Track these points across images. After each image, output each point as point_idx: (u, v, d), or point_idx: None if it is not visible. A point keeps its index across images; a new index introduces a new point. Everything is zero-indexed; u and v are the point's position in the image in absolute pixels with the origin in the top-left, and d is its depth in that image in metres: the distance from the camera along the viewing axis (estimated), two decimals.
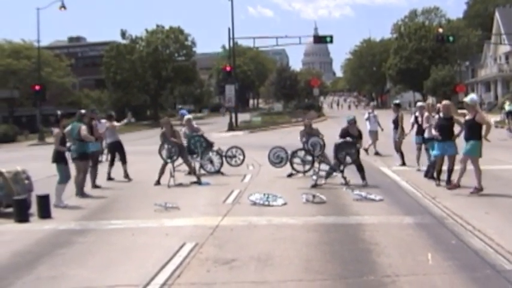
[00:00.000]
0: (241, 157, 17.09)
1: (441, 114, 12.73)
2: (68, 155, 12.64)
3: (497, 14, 67.06)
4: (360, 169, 13.62)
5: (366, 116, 21.38)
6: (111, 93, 68.38)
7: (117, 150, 16.10)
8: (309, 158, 14.81)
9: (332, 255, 7.48)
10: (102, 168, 15.95)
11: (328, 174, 13.95)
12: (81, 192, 13.08)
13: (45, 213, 10.70)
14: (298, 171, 15.12)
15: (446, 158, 12.59)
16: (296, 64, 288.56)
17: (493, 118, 17.35)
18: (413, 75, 76.22)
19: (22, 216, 10.39)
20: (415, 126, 15.76)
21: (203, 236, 8.64)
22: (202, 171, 16.18)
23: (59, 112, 12.95)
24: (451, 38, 47.73)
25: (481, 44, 73.07)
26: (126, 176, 15.84)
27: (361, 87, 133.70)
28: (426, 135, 14.09)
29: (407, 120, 17.32)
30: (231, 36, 48.34)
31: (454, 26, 77.15)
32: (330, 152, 14.42)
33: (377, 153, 20.06)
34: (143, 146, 26.22)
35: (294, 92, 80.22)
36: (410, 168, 15.87)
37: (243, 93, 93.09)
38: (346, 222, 9.58)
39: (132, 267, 7.17)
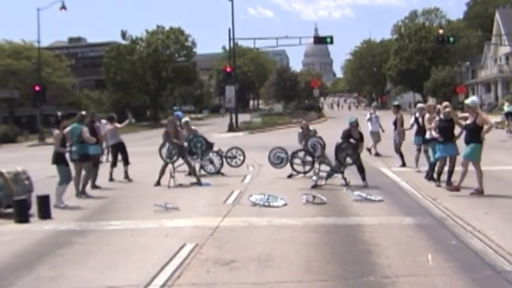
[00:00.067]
0: (242, 158, 17.09)
1: (441, 116, 12.72)
2: (67, 155, 12.66)
3: (497, 15, 67.11)
4: (361, 170, 13.61)
5: (368, 116, 21.36)
6: (111, 93, 68.38)
7: (119, 151, 16.14)
8: (309, 158, 14.81)
9: (332, 256, 7.48)
10: (103, 169, 15.94)
11: (329, 175, 13.95)
12: (82, 191, 13.12)
13: (45, 213, 10.71)
14: (298, 172, 15.12)
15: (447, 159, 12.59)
16: (296, 65, 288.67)
17: (493, 119, 17.33)
18: (413, 76, 76.28)
19: (22, 216, 10.40)
20: (415, 127, 15.77)
21: (203, 237, 8.64)
22: (203, 172, 16.19)
23: (59, 113, 12.90)
24: (451, 39, 47.75)
25: (481, 44, 73.12)
26: (126, 176, 15.86)
27: (361, 88, 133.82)
28: (428, 136, 14.06)
29: (407, 121, 17.35)
30: (231, 36, 48.39)
31: (454, 27, 77.24)
32: (330, 152, 14.42)
33: (377, 154, 20.05)
34: (143, 147, 26.18)
35: (294, 93, 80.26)
36: (411, 169, 15.86)
37: (243, 94, 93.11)
38: (346, 223, 9.58)
39: (132, 267, 7.17)
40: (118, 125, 16.61)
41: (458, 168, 12.47)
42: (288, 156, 15.47)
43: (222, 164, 16.69)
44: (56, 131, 12.50)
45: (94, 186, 14.26)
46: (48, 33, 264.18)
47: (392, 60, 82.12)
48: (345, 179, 13.40)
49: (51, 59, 59.67)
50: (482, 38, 70.66)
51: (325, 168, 14.30)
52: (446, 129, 12.45)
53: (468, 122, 11.81)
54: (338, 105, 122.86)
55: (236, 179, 15.25)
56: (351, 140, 13.70)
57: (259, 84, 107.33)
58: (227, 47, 64.44)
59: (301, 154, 15.10)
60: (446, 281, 6.33)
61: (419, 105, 16.87)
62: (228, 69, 49.33)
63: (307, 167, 14.89)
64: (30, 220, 10.48)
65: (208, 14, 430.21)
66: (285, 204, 11.20)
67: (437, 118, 12.95)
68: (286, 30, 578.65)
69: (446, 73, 68.81)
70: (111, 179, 15.73)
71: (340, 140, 13.81)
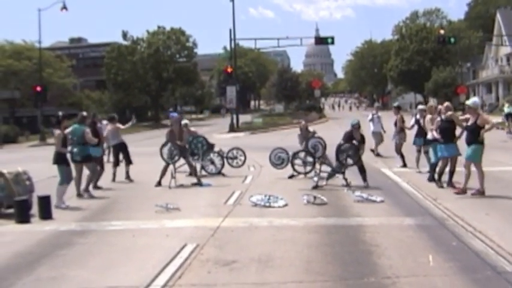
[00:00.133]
0: (242, 158, 17.09)
1: (443, 116, 12.71)
2: (68, 156, 12.68)
3: (498, 16, 67.10)
4: (362, 171, 13.61)
5: (370, 117, 21.33)
6: (112, 94, 68.45)
7: (121, 151, 16.14)
8: (310, 159, 14.81)
9: (333, 257, 7.48)
10: (106, 170, 15.92)
11: (330, 176, 13.94)
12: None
13: (46, 214, 10.71)
14: (299, 173, 15.12)
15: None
16: (297, 65, 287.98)
17: (494, 119, 17.34)
18: (414, 77, 76.31)
19: (23, 217, 10.40)
20: (415, 128, 15.77)
21: (204, 237, 8.64)
22: (204, 173, 16.19)
23: (60, 113, 12.96)
24: (452, 40, 47.76)
25: (482, 45, 73.08)
26: (128, 177, 15.87)
27: (362, 88, 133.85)
28: (429, 136, 14.04)
29: (408, 122, 17.40)
30: (232, 37, 48.43)
31: (455, 28, 77.22)
32: (331, 153, 14.42)
33: (378, 155, 20.05)
34: (144, 147, 26.20)
35: (295, 93, 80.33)
36: (411, 169, 15.86)
37: (244, 94, 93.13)
38: (346, 224, 9.58)
39: (132, 268, 7.17)
40: (120, 126, 16.63)
41: (458, 168, 12.48)
42: (288, 157, 15.46)
43: (223, 165, 16.70)
44: (57, 131, 12.53)
45: (95, 187, 14.26)
46: (49, 34, 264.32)
47: (393, 61, 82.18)
48: (345, 179, 13.40)
49: (52, 59, 59.72)
50: (483, 39, 70.66)
51: (326, 168, 14.30)
52: (447, 129, 12.44)
53: (469, 122, 11.80)
54: (339, 105, 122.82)
55: (237, 180, 15.25)
56: (354, 142, 13.70)
57: (260, 85, 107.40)
58: (228, 48, 64.43)
59: (302, 155, 15.09)
60: (446, 282, 6.33)
61: (420, 106, 16.87)
62: (229, 70, 49.34)
63: (308, 168, 14.88)
64: (31, 220, 10.48)
65: (209, 15, 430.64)
66: (286, 205, 11.20)
67: (438, 119, 12.94)
68: (287, 30, 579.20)
69: (447, 74, 68.82)
70: (113, 180, 15.74)
71: (342, 142, 13.81)
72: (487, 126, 11.62)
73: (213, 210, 11.12)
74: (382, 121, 21.05)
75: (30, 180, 11.50)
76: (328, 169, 14.23)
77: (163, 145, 14.70)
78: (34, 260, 7.69)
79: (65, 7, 45.02)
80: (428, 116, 14.28)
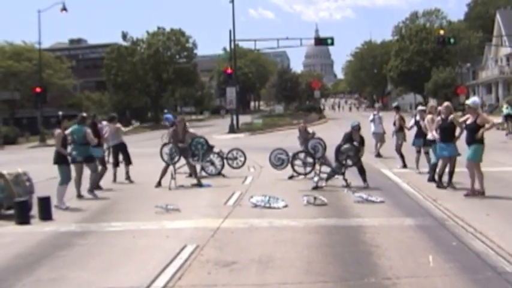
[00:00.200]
0: (242, 159, 17.07)
1: (443, 116, 12.70)
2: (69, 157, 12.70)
3: (498, 16, 67.13)
4: (362, 171, 13.61)
5: (371, 117, 21.30)
6: (111, 95, 68.49)
7: (121, 151, 16.12)
8: (310, 160, 14.80)
9: (333, 257, 7.48)
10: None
11: (329, 177, 13.94)
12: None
13: (46, 215, 10.71)
14: (299, 174, 15.11)
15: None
16: (297, 66, 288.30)
17: (494, 120, 17.37)
18: (414, 77, 76.35)
19: (23, 218, 10.40)
20: (415, 128, 15.76)
21: (204, 238, 8.64)
22: (204, 173, 16.18)
23: (60, 113, 13.02)
24: (452, 40, 47.72)
25: (482, 45, 73.09)
26: (128, 177, 15.86)
27: (362, 89, 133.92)
28: (430, 137, 14.03)
29: (407, 122, 17.44)
30: (232, 38, 48.40)
31: (455, 28, 77.18)
32: (331, 154, 14.41)
33: (378, 155, 20.03)
34: (144, 148, 26.19)
35: (295, 94, 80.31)
36: (411, 170, 15.85)
37: (244, 95, 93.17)
38: (347, 224, 9.58)
39: (132, 269, 7.17)
40: (122, 128, 16.59)
41: (458, 169, 12.47)
42: (288, 158, 15.44)
43: (222, 166, 16.70)
44: (58, 130, 12.62)
45: (96, 187, 14.24)
46: (49, 35, 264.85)
47: (393, 62, 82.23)
48: (346, 180, 13.40)
49: (52, 60, 59.75)
50: (483, 39, 70.67)
51: (326, 169, 14.29)
52: (447, 129, 12.43)
53: (469, 122, 11.80)
54: (339, 106, 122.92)
55: (237, 181, 15.24)
56: (354, 143, 13.70)
57: (260, 86, 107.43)
58: (228, 49, 64.34)
59: (302, 155, 15.09)
60: (447, 282, 6.33)
61: (420, 107, 16.88)
62: (229, 71, 49.32)
63: (308, 169, 14.88)
64: (31, 221, 10.48)
65: (209, 16, 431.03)
66: (286, 206, 11.19)
67: (438, 118, 12.92)
68: (287, 31, 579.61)
69: (447, 74, 68.83)
70: (114, 180, 15.73)
71: (342, 143, 13.80)
72: (487, 126, 11.61)
73: (213, 211, 11.11)
74: (383, 122, 21.02)
75: (30, 181, 11.50)
76: (328, 170, 14.23)
77: (164, 145, 14.68)
78: (34, 261, 7.68)
79: (64, 8, 45.07)
80: (429, 116, 14.28)
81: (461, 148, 12.33)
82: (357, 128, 13.99)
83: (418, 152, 15.49)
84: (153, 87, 70.09)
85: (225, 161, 16.85)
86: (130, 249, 8.29)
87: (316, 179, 13.67)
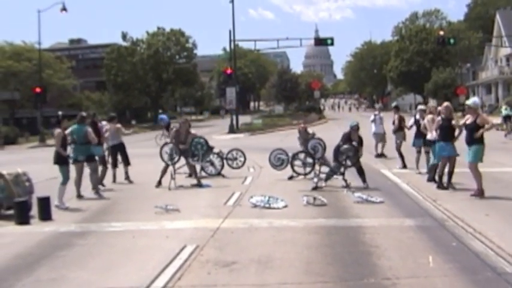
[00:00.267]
0: (242, 159, 17.07)
1: (442, 116, 12.70)
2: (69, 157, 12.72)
3: (498, 17, 67.16)
4: (360, 172, 13.61)
5: (372, 117, 21.29)
6: (111, 95, 68.48)
7: (119, 151, 16.09)
8: (310, 160, 14.80)
9: (333, 258, 7.48)
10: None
11: (328, 177, 13.93)
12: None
13: (45, 215, 10.71)
14: (299, 174, 15.11)
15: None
16: (297, 66, 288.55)
17: (494, 120, 17.41)
18: (414, 78, 76.37)
19: (23, 218, 10.40)
20: (414, 128, 15.77)
21: (204, 238, 8.64)
22: (203, 174, 16.18)
23: (60, 113, 13.07)
24: (452, 41, 47.73)
25: (482, 46, 73.11)
26: (127, 178, 15.86)
27: (362, 89, 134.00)
28: (430, 137, 14.03)
29: (407, 121, 17.46)
30: (232, 38, 48.40)
31: (455, 29, 77.22)
32: (330, 154, 14.40)
33: (378, 155, 20.03)
34: (144, 148, 26.19)
35: (294, 95, 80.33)
36: (411, 170, 15.86)
37: (243, 95, 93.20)
38: (346, 225, 9.58)
39: (132, 269, 7.17)
40: (122, 129, 16.56)
41: (458, 169, 12.47)
42: (288, 158, 15.43)
43: (222, 166, 16.70)
44: (58, 130, 12.63)
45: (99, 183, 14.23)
46: (49, 35, 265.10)
47: (393, 62, 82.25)
48: (345, 180, 13.41)
49: (52, 60, 59.71)
50: (482, 40, 70.67)
51: (325, 170, 14.29)
52: (447, 128, 12.43)
53: (468, 121, 11.79)
54: (338, 106, 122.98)
55: (237, 181, 15.24)
56: (354, 143, 13.70)
57: (259, 86, 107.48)
58: (228, 49, 64.34)
59: (302, 156, 15.08)
60: (446, 283, 6.33)
61: (421, 107, 16.88)
62: (229, 71, 49.31)
63: (308, 169, 14.87)
64: (31, 222, 10.49)
65: (208, 16, 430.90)
66: (286, 206, 11.19)
67: (438, 118, 12.91)
68: (287, 31, 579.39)
69: (447, 75, 68.85)
70: (114, 181, 15.73)
71: (340, 143, 13.80)
72: (486, 126, 11.61)
73: (212, 211, 11.11)
74: (384, 122, 20.99)
75: (29, 182, 11.50)
76: (328, 170, 14.22)
77: (164, 145, 14.67)
78: (34, 261, 7.69)
79: (64, 8, 45.02)
80: (429, 116, 14.26)
81: (461, 148, 12.34)
82: (355, 128, 13.99)
83: (419, 152, 15.49)
84: (153, 88, 70.10)
85: (224, 161, 16.85)
86: (130, 249, 8.29)
87: (315, 179, 13.67)
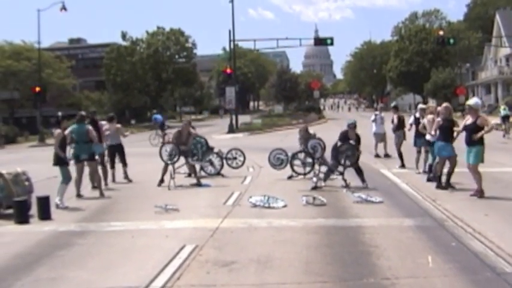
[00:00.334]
0: (242, 159, 17.06)
1: (442, 117, 12.68)
2: (69, 157, 12.72)
3: (497, 17, 67.18)
4: (359, 172, 13.61)
5: (373, 117, 21.27)
6: (111, 94, 68.47)
7: (117, 152, 16.05)
8: (310, 160, 14.80)
9: (332, 258, 7.48)
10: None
11: (327, 176, 13.91)
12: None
13: (45, 214, 10.70)
14: (298, 174, 15.11)
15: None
16: (296, 66, 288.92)
17: (493, 121, 17.45)
18: (413, 78, 76.38)
19: (22, 217, 10.39)
20: (414, 128, 15.77)
21: (203, 238, 8.64)
22: (203, 173, 16.18)
23: (59, 114, 13.08)
24: (451, 41, 47.75)
25: (482, 46, 73.14)
26: (126, 177, 15.85)
27: (361, 89, 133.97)
28: (428, 137, 14.02)
29: (406, 121, 17.49)
30: (232, 38, 48.41)
31: (455, 29, 77.22)
32: (329, 154, 14.39)
33: (377, 156, 20.03)
34: (144, 148, 26.21)
35: (294, 94, 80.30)
36: (411, 170, 15.86)
37: (243, 95, 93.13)
38: (346, 225, 9.58)
39: (131, 269, 7.16)
40: (122, 130, 16.54)
41: (458, 169, 12.46)
42: (288, 158, 15.44)
43: (222, 166, 16.68)
44: (57, 131, 12.65)
45: (94, 187, 14.24)
46: (49, 34, 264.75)
47: (393, 62, 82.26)
48: (345, 180, 13.41)
49: (51, 60, 59.67)
50: (482, 40, 70.67)
51: (325, 169, 14.28)
52: (447, 129, 12.43)
53: (468, 122, 11.78)
54: (338, 106, 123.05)
55: (236, 181, 15.23)
56: (351, 142, 13.70)
57: (259, 86, 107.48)
58: (227, 48, 64.42)
59: (302, 156, 15.08)
60: (446, 283, 6.33)
61: (421, 105, 16.91)
62: (228, 71, 49.35)
63: (308, 169, 14.88)
64: (30, 221, 10.48)
65: (208, 15, 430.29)
66: (285, 206, 11.19)
67: (438, 119, 12.90)
68: (287, 31, 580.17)
69: (447, 75, 68.89)
70: (113, 180, 15.72)
71: (339, 143, 13.80)
72: (486, 129, 11.61)
73: (212, 211, 11.11)
74: (385, 122, 20.96)
75: (29, 181, 11.51)
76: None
77: (164, 145, 14.66)
78: (33, 261, 7.68)
79: (64, 8, 45.07)
80: (430, 116, 14.23)
81: (459, 148, 12.35)
82: (352, 126, 14.00)
83: (419, 152, 15.48)
84: (152, 87, 70.11)
85: (224, 161, 16.84)
86: (129, 249, 8.29)
87: (315, 179, 13.67)
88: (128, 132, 17.48)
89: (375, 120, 20.92)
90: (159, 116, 34.80)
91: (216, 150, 16.89)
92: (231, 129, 44.61)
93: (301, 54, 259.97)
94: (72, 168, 12.86)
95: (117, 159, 16.09)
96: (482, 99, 63.88)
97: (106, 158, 16.01)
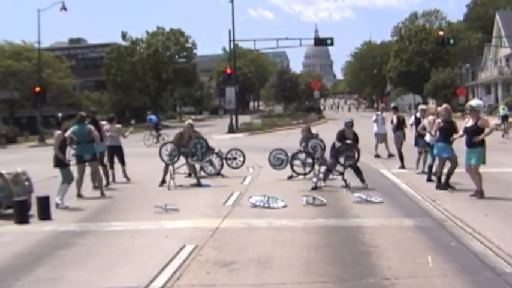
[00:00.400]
0: (242, 159, 17.06)
1: (442, 118, 12.68)
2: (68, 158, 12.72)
3: (497, 17, 67.19)
4: (357, 172, 13.60)
5: (374, 117, 21.26)
6: (111, 94, 68.47)
7: (116, 154, 16.00)
8: (310, 160, 14.80)
9: (332, 258, 7.48)
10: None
11: (326, 176, 13.90)
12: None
13: (45, 214, 10.71)
14: (298, 174, 15.11)
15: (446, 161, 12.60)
16: (296, 66, 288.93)
17: (493, 121, 17.46)
18: (413, 78, 76.39)
19: (22, 217, 10.39)
20: (414, 128, 15.77)
21: (203, 238, 8.64)
22: (203, 173, 16.17)
23: (59, 114, 13.07)
24: (451, 41, 47.75)
25: (482, 46, 73.16)
26: (125, 175, 15.85)
27: (361, 89, 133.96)
28: (428, 139, 14.02)
29: (406, 121, 17.49)
30: (232, 38, 48.40)
31: (455, 29, 77.24)
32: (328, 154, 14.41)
33: (377, 156, 20.03)
34: (143, 148, 26.23)
35: (294, 94, 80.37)
36: (411, 171, 15.85)
37: (243, 95, 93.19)
38: (346, 225, 9.58)
39: (131, 269, 7.16)
40: (123, 130, 16.52)
41: (458, 169, 12.46)
42: (288, 158, 15.44)
43: (222, 166, 16.68)
44: (58, 132, 12.61)
45: (95, 187, 14.24)
46: (49, 34, 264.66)
47: (393, 62, 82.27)
48: (345, 180, 13.41)
49: (51, 60, 59.66)
50: (482, 40, 70.69)
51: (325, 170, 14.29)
52: (448, 130, 12.43)
53: (469, 124, 11.77)
54: (338, 106, 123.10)
55: (236, 181, 15.24)
56: (347, 141, 13.69)
57: (259, 86, 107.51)
58: (227, 49, 64.43)
59: (302, 156, 15.08)
60: (446, 283, 6.33)
61: (422, 106, 16.93)
62: (228, 71, 49.35)
63: (308, 169, 14.88)
64: (30, 221, 10.48)
65: (208, 16, 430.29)
66: (285, 206, 11.19)
67: (438, 120, 12.90)
68: (287, 31, 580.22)
69: (447, 75, 68.90)
70: (113, 180, 15.72)
71: (337, 142, 13.79)
72: (486, 130, 11.61)
73: (212, 211, 11.11)
74: (386, 122, 20.94)
75: (29, 181, 11.50)
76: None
77: (164, 145, 14.65)
78: (33, 261, 7.68)
79: (64, 8, 45.05)
80: (430, 117, 14.23)
81: (458, 149, 12.35)
82: (349, 125, 13.98)
83: (420, 152, 15.47)
84: (152, 87, 70.07)
85: (224, 161, 16.84)
86: (129, 249, 8.29)
87: (315, 179, 13.66)
88: (128, 133, 17.46)
89: (376, 121, 20.92)
90: (153, 117, 35.03)
91: (216, 150, 16.89)
92: (231, 130, 44.61)
93: (301, 55, 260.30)
94: (73, 168, 12.85)
95: (116, 160, 16.10)
96: (482, 99, 63.91)
97: (105, 159, 16.01)
